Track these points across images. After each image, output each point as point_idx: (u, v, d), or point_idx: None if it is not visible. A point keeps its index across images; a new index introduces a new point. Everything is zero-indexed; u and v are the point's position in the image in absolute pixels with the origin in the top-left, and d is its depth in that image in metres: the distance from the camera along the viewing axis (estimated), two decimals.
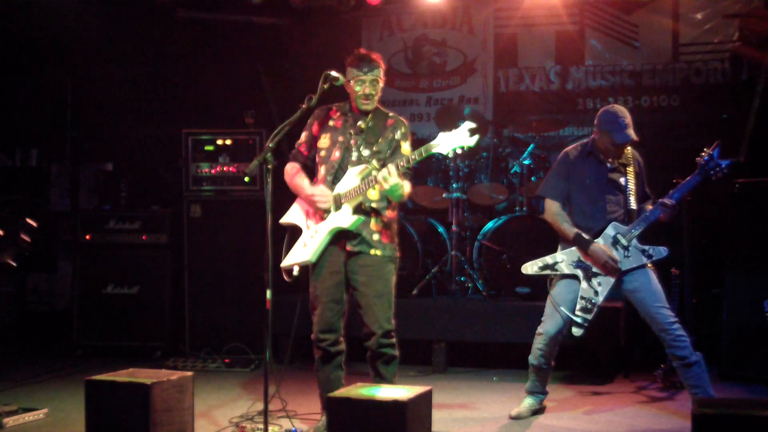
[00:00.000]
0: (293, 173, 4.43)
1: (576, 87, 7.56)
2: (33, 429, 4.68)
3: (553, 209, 4.84)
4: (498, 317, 6.11)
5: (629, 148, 4.79)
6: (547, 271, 4.80)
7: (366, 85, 4.25)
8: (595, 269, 4.71)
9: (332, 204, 4.24)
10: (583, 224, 4.75)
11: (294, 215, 4.45)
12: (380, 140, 4.30)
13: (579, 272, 4.73)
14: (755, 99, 6.74)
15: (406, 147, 4.34)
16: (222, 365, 6.30)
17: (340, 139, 4.33)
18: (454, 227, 6.61)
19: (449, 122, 6.86)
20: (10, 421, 4.67)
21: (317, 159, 4.41)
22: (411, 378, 5.88)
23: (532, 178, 6.73)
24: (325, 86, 4.18)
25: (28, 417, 4.80)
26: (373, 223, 4.27)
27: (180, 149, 6.70)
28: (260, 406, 4.24)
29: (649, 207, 4.75)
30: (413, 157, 4.07)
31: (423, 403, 3.69)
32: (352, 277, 4.29)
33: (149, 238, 6.79)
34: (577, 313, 4.69)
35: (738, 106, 6.88)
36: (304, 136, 4.47)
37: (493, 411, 5.03)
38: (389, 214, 4.34)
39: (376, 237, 4.27)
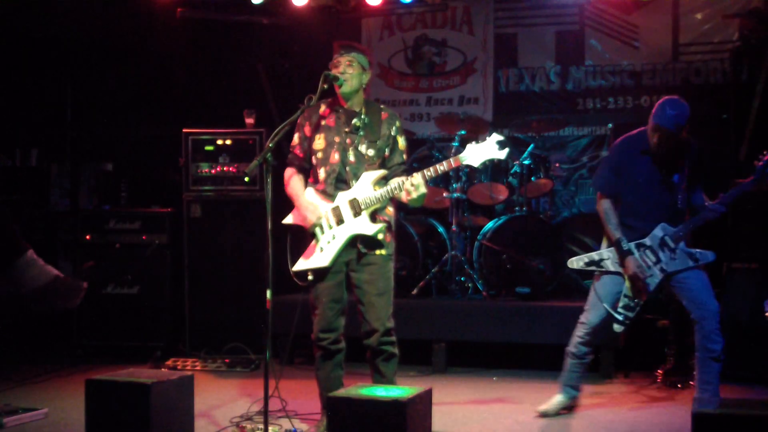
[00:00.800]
0: (288, 179, 4.40)
1: (576, 87, 7.56)
2: (33, 429, 4.68)
3: (603, 206, 4.74)
4: (498, 317, 6.11)
5: (690, 141, 4.66)
6: (593, 267, 4.78)
7: (340, 67, 4.24)
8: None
9: (349, 209, 4.20)
10: (633, 224, 4.69)
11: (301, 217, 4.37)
12: (379, 140, 4.29)
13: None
14: (755, 99, 6.73)
15: (402, 142, 4.35)
16: (222, 365, 6.30)
17: (336, 139, 4.28)
18: (454, 227, 6.60)
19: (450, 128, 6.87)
20: (10, 421, 4.66)
21: (314, 161, 4.34)
22: (411, 378, 5.87)
23: (532, 178, 6.72)
24: (325, 86, 4.17)
25: (28, 417, 4.79)
26: None
27: (180, 149, 6.69)
28: (260, 406, 4.24)
29: (708, 202, 4.65)
30: (441, 168, 4.07)
31: (423, 403, 3.69)
32: (354, 276, 4.28)
33: (149, 238, 6.79)
34: (620, 310, 4.69)
35: (738, 106, 6.88)
36: (296, 138, 4.41)
37: (493, 411, 5.03)
38: (388, 211, 4.34)
39: (380, 236, 4.25)
